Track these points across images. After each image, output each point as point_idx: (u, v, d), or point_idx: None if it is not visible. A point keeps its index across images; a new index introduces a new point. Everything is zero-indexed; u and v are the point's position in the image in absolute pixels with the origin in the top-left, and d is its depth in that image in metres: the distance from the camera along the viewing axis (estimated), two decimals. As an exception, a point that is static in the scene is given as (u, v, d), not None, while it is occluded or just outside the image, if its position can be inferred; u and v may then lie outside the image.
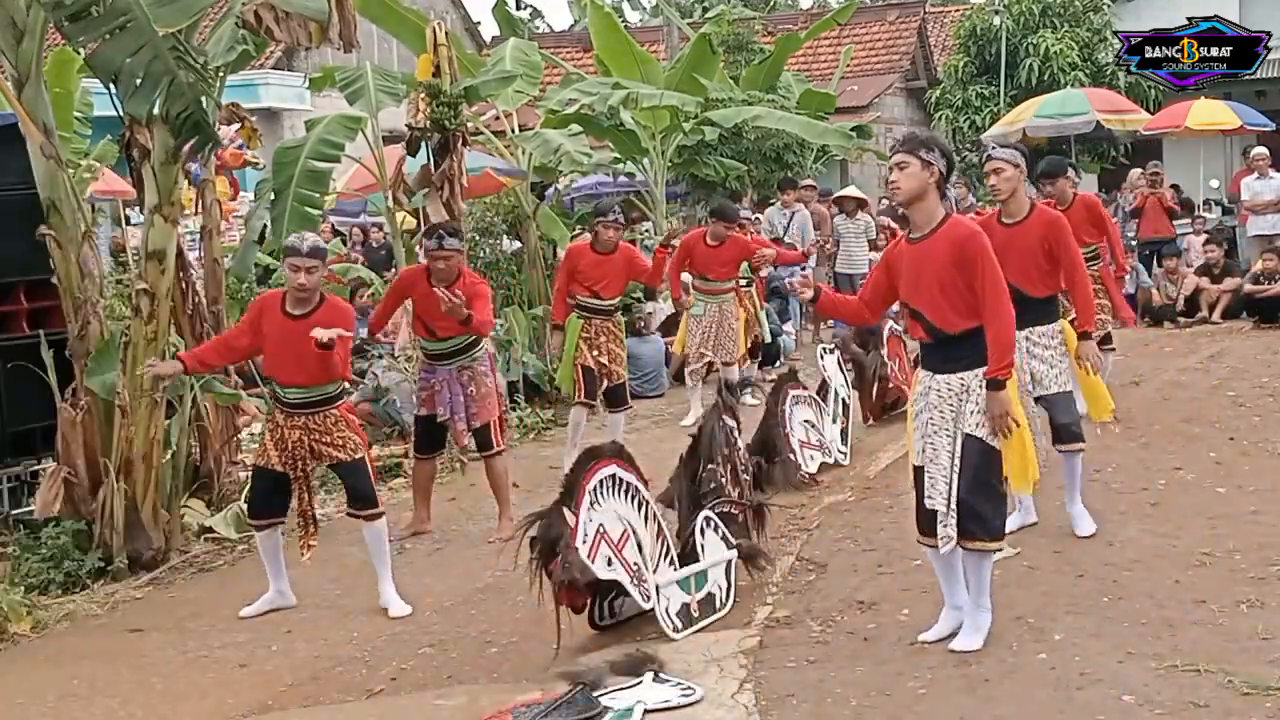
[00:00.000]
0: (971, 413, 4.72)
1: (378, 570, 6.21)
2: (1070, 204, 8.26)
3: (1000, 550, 4.86)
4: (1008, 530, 6.01)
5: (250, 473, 6.45)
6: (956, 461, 4.72)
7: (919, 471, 4.85)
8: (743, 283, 10.55)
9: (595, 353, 8.59)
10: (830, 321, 15.12)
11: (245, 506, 7.69)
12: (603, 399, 8.91)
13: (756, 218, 14.76)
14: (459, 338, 7.21)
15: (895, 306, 5.32)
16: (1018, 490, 5.14)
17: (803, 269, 14.18)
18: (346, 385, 6.40)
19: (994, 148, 6.33)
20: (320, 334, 5.76)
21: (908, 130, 5.02)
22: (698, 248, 9.92)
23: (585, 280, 8.60)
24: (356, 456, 6.12)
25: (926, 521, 4.86)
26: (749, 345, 10.47)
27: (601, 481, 5.21)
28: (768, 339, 10.86)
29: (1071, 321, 6.97)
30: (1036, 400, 6.12)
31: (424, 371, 7.42)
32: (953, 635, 4.91)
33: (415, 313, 7.33)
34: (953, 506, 4.72)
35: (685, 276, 10.14)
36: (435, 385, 7.27)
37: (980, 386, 4.71)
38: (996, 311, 4.68)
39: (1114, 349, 8.67)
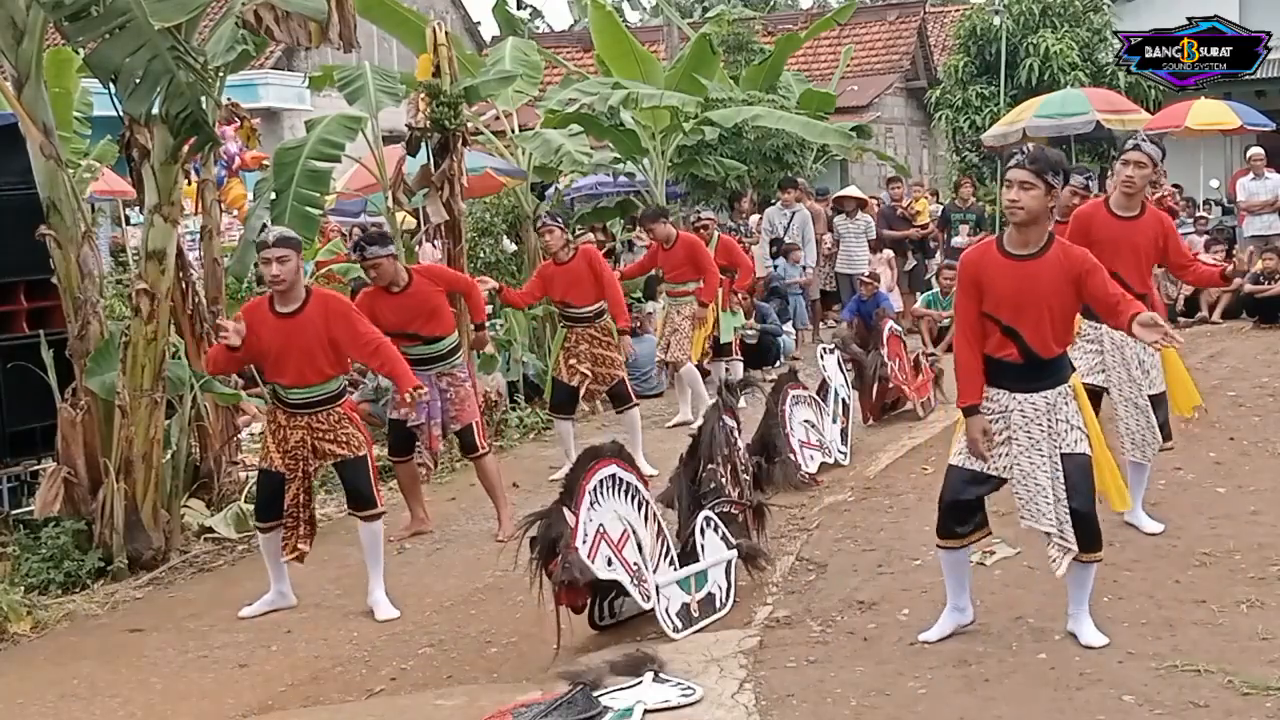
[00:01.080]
0: (1066, 431, 4.66)
1: (370, 571, 6.20)
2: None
3: (1101, 559, 4.81)
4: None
5: (255, 475, 6.41)
6: (1058, 481, 4.65)
7: (963, 472, 4.78)
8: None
9: (574, 361, 8.59)
10: (830, 321, 15.16)
11: (250, 508, 7.71)
12: (609, 400, 8.91)
13: (710, 218, 14.77)
14: (444, 340, 7.24)
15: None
16: (1117, 509, 5.07)
17: (804, 267, 14.27)
18: (348, 382, 6.37)
19: (1144, 139, 6.10)
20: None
21: (1036, 147, 4.82)
22: (658, 253, 10.07)
23: (554, 291, 8.66)
24: (360, 454, 6.09)
25: (953, 522, 4.82)
26: (707, 344, 10.37)
27: (601, 481, 5.21)
28: (725, 338, 10.74)
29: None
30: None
31: None
32: (954, 636, 4.91)
33: (389, 330, 7.29)
34: (1065, 523, 4.66)
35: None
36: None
37: (1067, 403, 4.67)
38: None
39: None
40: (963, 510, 4.83)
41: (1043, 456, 4.67)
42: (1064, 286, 4.61)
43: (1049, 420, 4.67)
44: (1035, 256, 4.64)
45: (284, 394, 6.06)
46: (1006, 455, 4.73)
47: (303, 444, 6.05)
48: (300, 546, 6.15)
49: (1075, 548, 4.67)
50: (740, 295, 11.38)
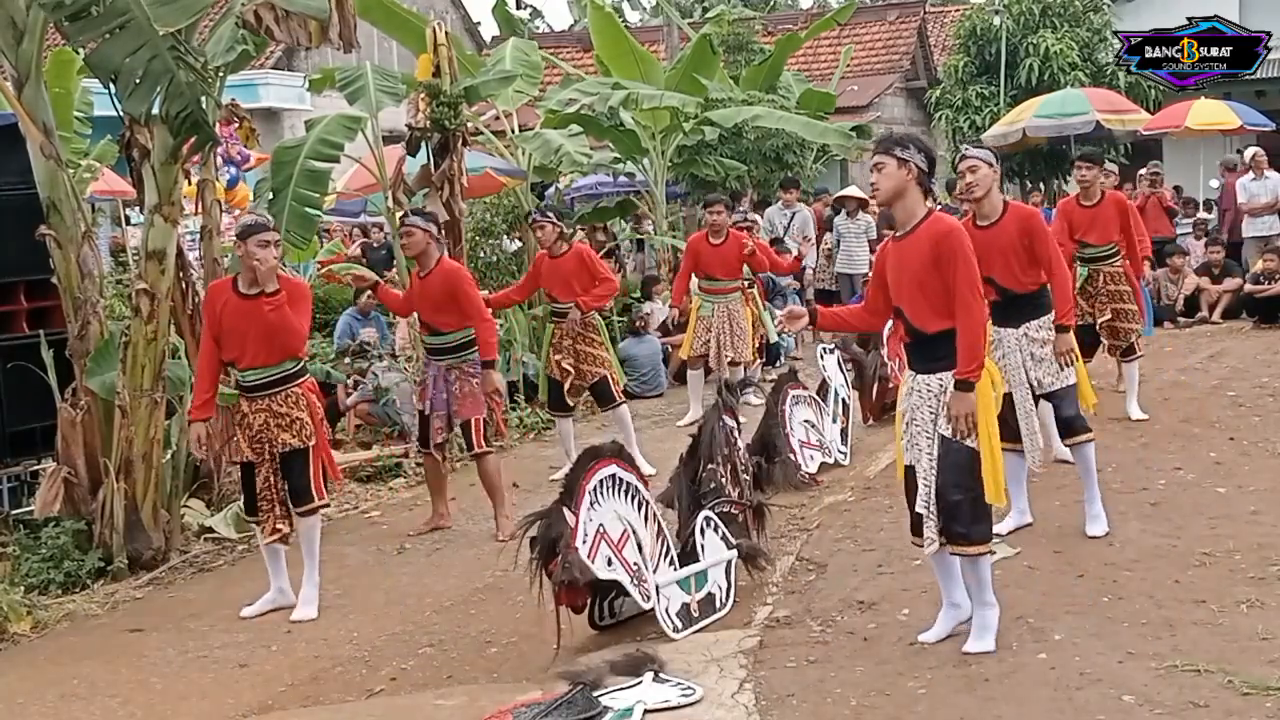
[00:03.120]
0: (947, 415, 4.68)
1: (306, 566, 6.16)
2: (1099, 200, 8.21)
3: (990, 553, 4.83)
4: (1005, 531, 6.02)
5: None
6: (934, 464, 4.69)
7: (909, 471, 4.82)
8: (745, 283, 10.55)
9: (559, 357, 8.59)
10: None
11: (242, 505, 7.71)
12: (592, 399, 8.90)
13: (755, 219, 14.78)
14: (455, 333, 7.26)
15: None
16: (990, 501, 5.03)
17: (801, 269, 14.25)
18: (306, 363, 6.36)
19: (967, 147, 6.28)
20: None
21: (882, 133, 5.07)
22: (702, 248, 9.94)
23: (543, 283, 8.68)
24: (308, 444, 6.06)
25: (917, 521, 4.83)
26: (756, 345, 10.46)
27: (601, 481, 5.21)
28: (773, 339, 10.81)
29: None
30: (1044, 398, 6.12)
31: (425, 366, 7.48)
32: (954, 636, 4.90)
33: (414, 304, 7.42)
34: (933, 510, 4.70)
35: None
36: (426, 380, 7.36)
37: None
38: (968, 310, 4.60)
39: (1141, 355, 8.57)
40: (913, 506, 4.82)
41: (928, 439, 4.70)
42: (930, 260, 4.64)
43: (937, 402, 4.69)
44: (909, 234, 4.73)
45: (241, 377, 6.10)
46: (910, 438, 4.77)
47: (265, 427, 6.06)
48: (279, 527, 6.13)
49: (935, 538, 4.70)
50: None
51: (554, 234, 8.59)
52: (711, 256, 9.89)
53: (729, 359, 9.97)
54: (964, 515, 4.67)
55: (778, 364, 12.13)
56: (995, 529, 5.20)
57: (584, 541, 5.01)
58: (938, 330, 4.69)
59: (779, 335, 12.66)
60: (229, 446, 7.99)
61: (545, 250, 8.67)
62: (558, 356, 8.61)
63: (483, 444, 7.30)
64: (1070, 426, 6.14)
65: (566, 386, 8.63)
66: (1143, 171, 15.20)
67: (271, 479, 6.12)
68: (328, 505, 6.33)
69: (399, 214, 7.56)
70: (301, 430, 6.07)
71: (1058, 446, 6.90)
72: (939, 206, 5.34)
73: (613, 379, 8.70)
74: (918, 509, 4.76)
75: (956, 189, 6.52)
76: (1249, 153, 15.14)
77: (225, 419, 8.00)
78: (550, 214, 8.77)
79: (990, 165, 6.03)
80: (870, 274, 5.67)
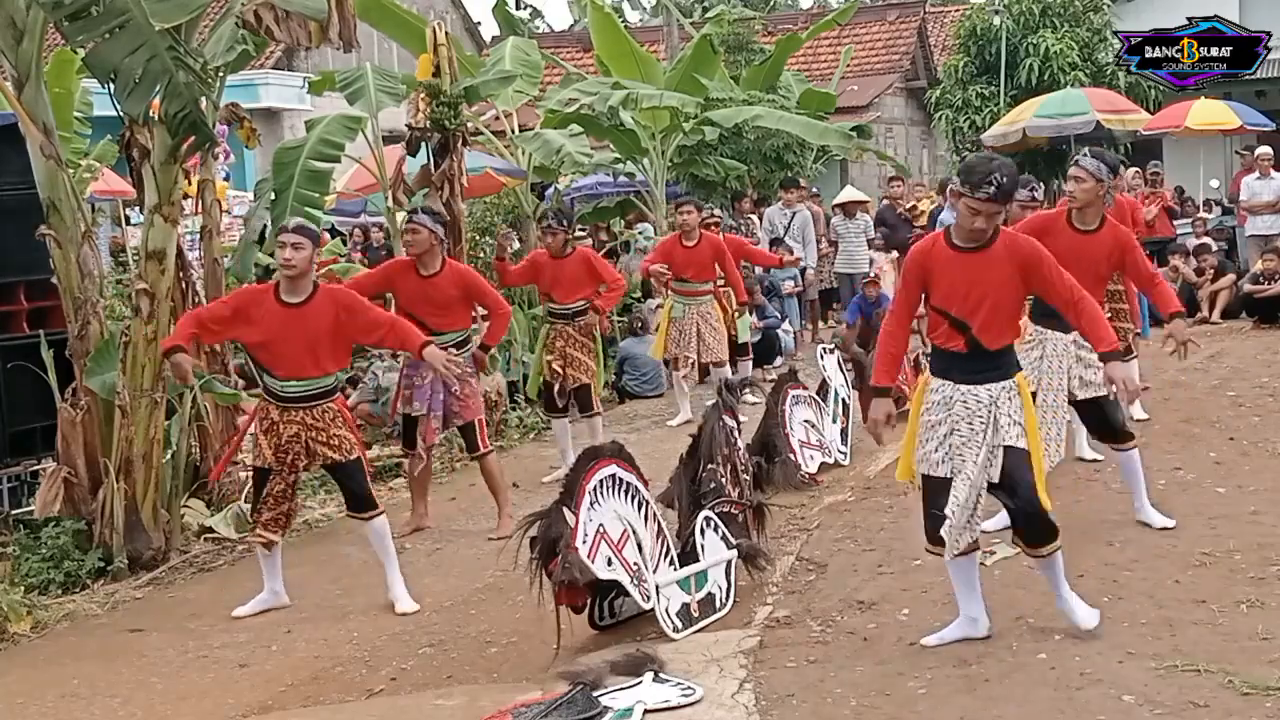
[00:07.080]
0: (1008, 425, 4.65)
1: (386, 568, 6.18)
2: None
3: (1060, 547, 4.81)
4: (994, 529, 6.01)
5: (250, 474, 6.40)
6: (984, 474, 4.65)
7: (935, 481, 4.77)
8: (720, 283, 10.52)
9: (550, 358, 8.61)
10: (830, 321, 15.16)
11: (246, 508, 7.70)
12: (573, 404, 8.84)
13: (719, 215, 14.78)
14: (453, 333, 7.24)
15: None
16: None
17: (801, 270, 14.25)
18: (346, 380, 6.37)
19: (1084, 155, 6.23)
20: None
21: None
22: (675, 250, 9.90)
23: (542, 285, 8.68)
24: (352, 457, 6.03)
25: (934, 530, 4.78)
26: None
27: (601, 481, 5.21)
28: (743, 338, 10.76)
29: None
30: (1081, 403, 6.18)
31: (408, 368, 7.33)
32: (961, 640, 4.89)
33: (400, 306, 7.30)
34: (976, 519, 4.69)
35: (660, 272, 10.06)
36: (416, 381, 7.23)
37: (1010, 398, 4.66)
38: (1083, 300, 4.73)
39: (1136, 356, 8.58)
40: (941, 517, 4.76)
41: (976, 449, 4.66)
42: (1015, 274, 4.65)
43: (989, 413, 4.67)
44: (982, 248, 4.67)
45: (279, 386, 5.99)
46: (950, 449, 4.74)
47: (296, 439, 5.97)
48: (270, 532, 6.07)
49: (971, 542, 4.70)
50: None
51: (563, 239, 8.63)
52: (684, 258, 9.84)
53: (707, 360, 9.98)
54: (1040, 516, 4.67)
55: (778, 364, 12.13)
56: (983, 526, 5.19)
57: (584, 541, 5.00)
58: (1000, 347, 4.68)
59: (782, 334, 12.66)
60: (231, 445, 8.04)
61: (546, 250, 8.68)
62: (549, 357, 8.63)
63: (486, 444, 7.38)
64: (1119, 433, 6.18)
65: (556, 388, 8.64)
66: (1135, 169, 15.15)
67: (287, 490, 6.05)
68: (384, 511, 6.27)
69: (405, 211, 7.54)
70: (342, 444, 6.02)
71: (1081, 445, 7.12)
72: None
73: (595, 389, 8.68)
74: (956, 520, 4.66)
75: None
76: (1257, 152, 15.15)
77: (226, 418, 8.05)
78: (559, 219, 8.77)
79: (1098, 180, 6.05)
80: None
